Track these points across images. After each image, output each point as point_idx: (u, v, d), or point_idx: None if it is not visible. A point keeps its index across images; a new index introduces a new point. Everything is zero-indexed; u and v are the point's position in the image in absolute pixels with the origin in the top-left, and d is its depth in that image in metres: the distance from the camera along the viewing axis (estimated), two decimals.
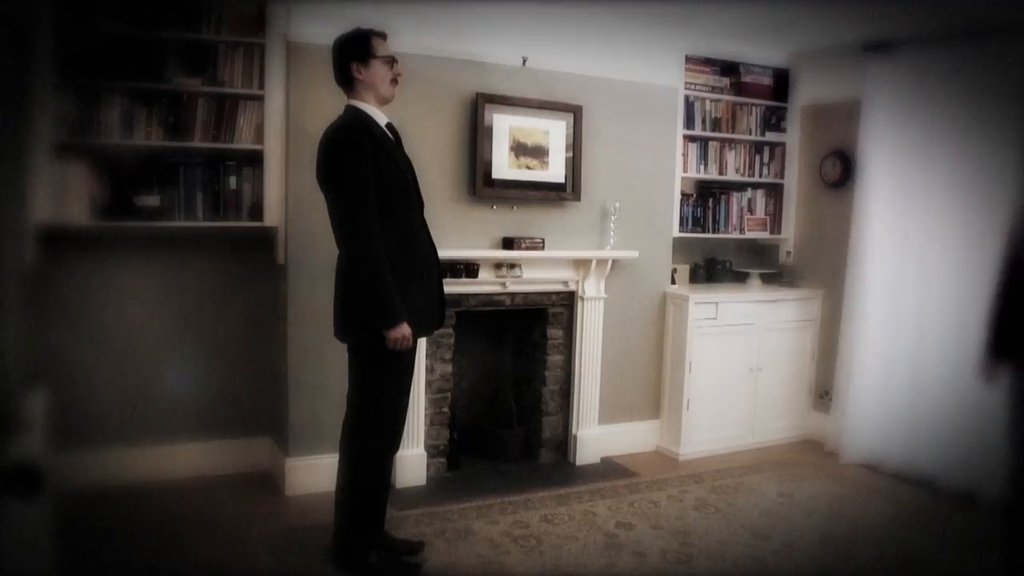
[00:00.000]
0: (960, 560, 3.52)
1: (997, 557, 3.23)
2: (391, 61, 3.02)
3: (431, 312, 3.13)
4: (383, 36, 3.04)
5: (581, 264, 4.42)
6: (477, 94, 4.08)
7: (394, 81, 3.04)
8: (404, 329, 2.90)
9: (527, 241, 4.22)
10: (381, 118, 3.03)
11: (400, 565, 3.20)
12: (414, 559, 3.26)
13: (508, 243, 4.21)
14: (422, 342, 3.83)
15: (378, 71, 2.98)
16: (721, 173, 5.12)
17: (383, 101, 3.04)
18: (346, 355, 3.12)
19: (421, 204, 3.13)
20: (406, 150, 3.14)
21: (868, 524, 3.84)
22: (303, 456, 3.90)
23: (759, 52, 5.18)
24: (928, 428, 4.37)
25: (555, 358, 4.50)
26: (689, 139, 4.98)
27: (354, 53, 2.98)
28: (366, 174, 2.85)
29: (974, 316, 4.20)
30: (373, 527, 3.16)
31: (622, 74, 4.53)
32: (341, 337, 3.08)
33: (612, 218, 4.44)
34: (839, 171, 5.04)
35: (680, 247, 5.03)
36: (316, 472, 3.85)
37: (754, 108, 5.21)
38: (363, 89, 3.00)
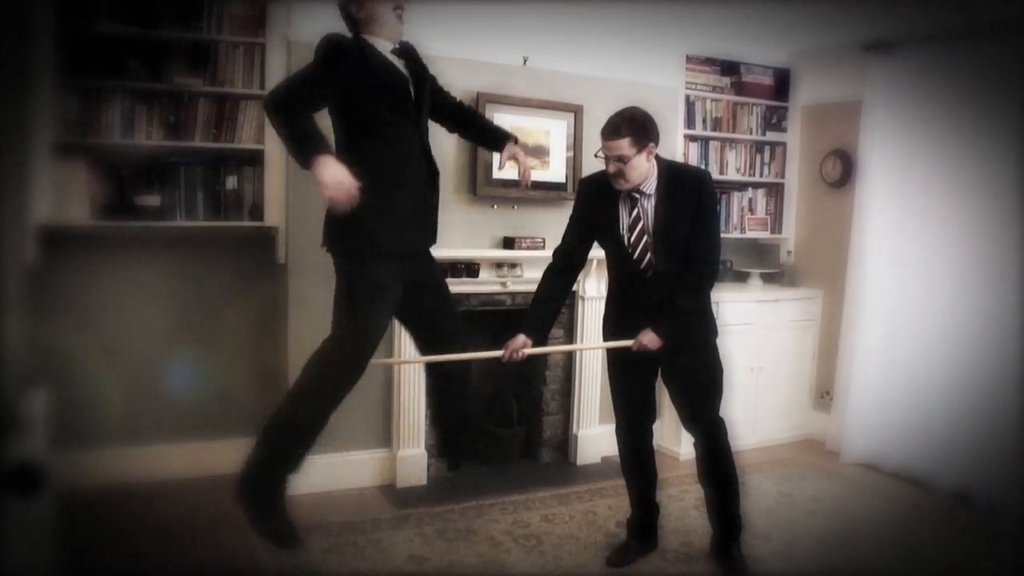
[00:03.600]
0: (959, 560, 3.51)
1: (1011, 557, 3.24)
2: None
3: (415, 227, 2.96)
4: None
5: None
6: (478, 94, 4.07)
7: (398, 11, 2.91)
8: (332, 168, 2.61)
9: (528, 241, 4.22)
10: (385, 46, 2.92)
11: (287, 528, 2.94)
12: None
13: (509, 243, 4.21)
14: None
15: (380, 6, 2.88)
16: (722, 173, 5.12)
17: (389, 39, 2.93)
18: None
19: (424, 119, 3.02)
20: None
21: (868, 524, 3.84)
22: None
23: (760, 52, 5.18)
24: (928, 428, 4.37)
25: (556, 357, 4.50)
26: (690, 139, 4.98)
27: None
28: (325, 76, 2.76)
29: (974, 315, 4.21)
30: (286, 468, 2.93)
31: (623, 74, 4.52)
32: (324, 245, 2.97)
33: None
34: (840, 171, 5.04)
35: None
36: (316, 472, 3.84)
37: (755, 108, 5.21)
38: (366, 29, 2.90)
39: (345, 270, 2.93)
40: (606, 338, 3.28)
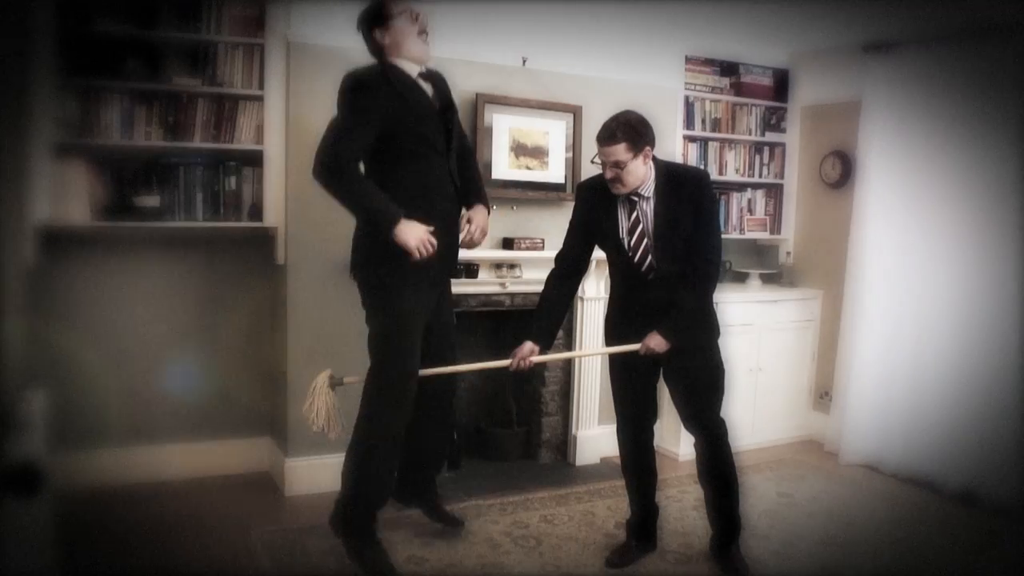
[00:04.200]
0: (960, 560, 3.51)
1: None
2: (413, 15, 2.95)
3: (442, 255, 3.01)
4: None
5: None
6: (477, 94, 4.07)
7: (423, 35, 2.97)
8: (414, 228, 2.79)
9: (527, 241, 4.22)
10: (413, 69, 2.97)
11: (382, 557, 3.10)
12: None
13: (508, 243, 4.22)
14: None
15: (401, 29, 2.93)
16: (721, 173, 5.12)
17: (417, 60, 2.98)
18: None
19: (451, 150, 3.06)
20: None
21: (868, 524, 3.84)
22: (303, 456, 3.89)
23: (759, 52, 5.18)
24: (928, 428, 4.37)
25: None
26: (689, 139, 4.98)
27: (373, 19, 2.95)
28: (363, 119, 2.82)
29: (974, 316, 4.21)
30: (377, 494, 3.09)
31: (622, 74, 4.52)
32: (352, 274, 3.06)
33: None
34: (839, 171, 5.04)
35: None
36: (316, 472, 3.85)
37: (754, 108, 5.21)
38: (392, 53, 2.95)
39: (373, 302, 3.01)
40: (608, 339, 3.29)
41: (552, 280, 3.24)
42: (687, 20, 4.55)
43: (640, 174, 2.98)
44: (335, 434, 3.10)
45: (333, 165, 2.80)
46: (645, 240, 3.03)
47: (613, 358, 3.29)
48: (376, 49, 2.99)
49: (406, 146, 2.91)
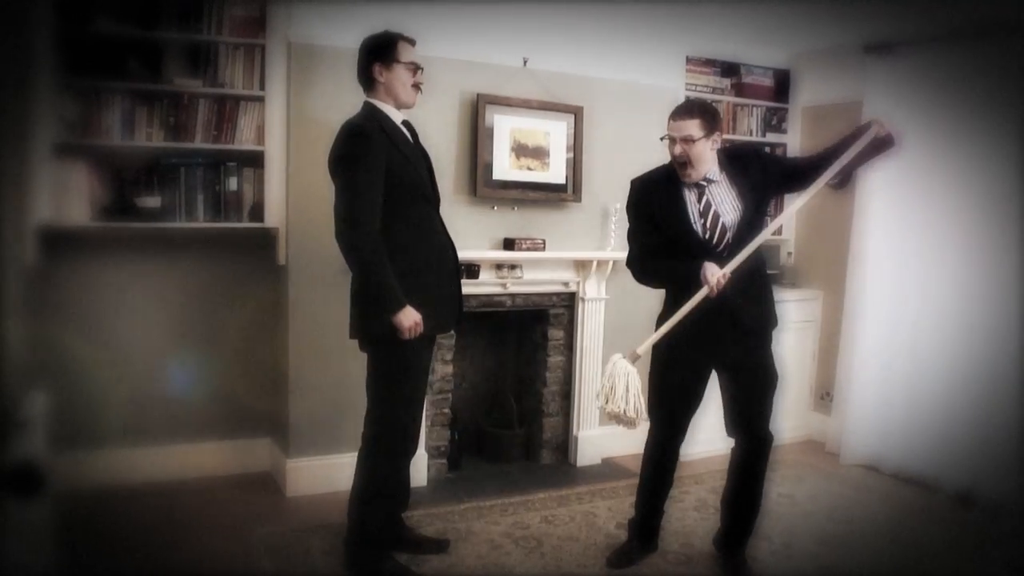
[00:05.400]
0: (960, 560, 3.51)
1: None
2: (414, 68, 3.03)
3: (447, 309, 3.13)
4: (411, 42, 3.05)
5: (582, 265, 4.42)
6: (478, 95, 4.08)
7: (416, 87, 3.05)
8: (410, 314, 2.89)
9: (528, 242, 4.21)
10: (397, 116, 3.04)
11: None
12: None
13: (509, 244, 4.21)
14: None
15: (399, 75, 3.00)
16: None
17: (402, 106, 3.05)
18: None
19: (438, 200, 3.14)
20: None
21: (868, 525, 3.84)
22: (304, 457, 3.89)
23: (760, 53, 5.18)
24: (928, 429, 4.36)
25: (556, 359, 4.50)
26: None
27: (378, 54, 2.99)
28: (374, 170, 2.87)
29: (974, 316, 4.21)
30: (386, 532, 3.17)
31: (623, 75, 4.52)
32: (352, 335, 3.10)
33: (613, 219, 4.43)
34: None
35: None
36: (317, 473, 3.85)
37: (755, 109, 5.21)
38: (382, 91, 3.01)
39: (376, 355, 3.05)
40: (668, 336, 3.14)
41: (647, 260, 3.18)
42: (688, 21, 4.55)
43: (707, 159, 3.02)
44: (640, 423, 3.11)
45: (360, 231, 2.85)
46: (720, 220, 3.03)
47: (667, 360, 3.20)
48: (367, 82, 3.03)
49: (405, 195, 2.96)
